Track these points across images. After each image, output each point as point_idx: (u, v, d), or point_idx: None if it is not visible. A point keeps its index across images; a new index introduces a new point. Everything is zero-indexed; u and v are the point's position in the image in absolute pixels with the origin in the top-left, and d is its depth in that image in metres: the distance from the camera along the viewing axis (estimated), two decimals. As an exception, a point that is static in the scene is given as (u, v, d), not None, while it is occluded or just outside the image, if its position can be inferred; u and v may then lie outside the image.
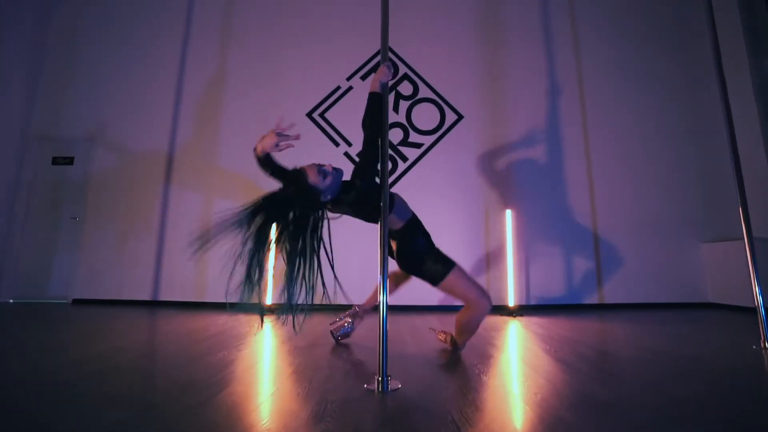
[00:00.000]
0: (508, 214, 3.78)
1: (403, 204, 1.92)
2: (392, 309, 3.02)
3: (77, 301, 4.03)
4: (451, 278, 1.79)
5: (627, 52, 4.57)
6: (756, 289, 2.19)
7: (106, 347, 2.03)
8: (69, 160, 4.42)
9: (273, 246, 1.50)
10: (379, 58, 4.48)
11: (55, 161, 4.43)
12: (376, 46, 4.44)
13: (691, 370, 1.64)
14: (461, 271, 1.83)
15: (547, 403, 1.23)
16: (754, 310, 2.17)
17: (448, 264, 1.82)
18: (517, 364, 1.78)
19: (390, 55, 4.49)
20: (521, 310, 3.70)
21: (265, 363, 1.82)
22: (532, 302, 4.00)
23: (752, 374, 1.61)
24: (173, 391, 1.35)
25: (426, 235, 1.93)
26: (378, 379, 1.38)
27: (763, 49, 4.26)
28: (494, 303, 3.85)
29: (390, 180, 4.21)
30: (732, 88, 4.38)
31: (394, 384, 1.41)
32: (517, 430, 1.03)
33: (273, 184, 1.82)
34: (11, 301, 4.05)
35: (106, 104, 4.48)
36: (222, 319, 3.09)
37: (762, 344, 2.08)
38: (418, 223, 1.93)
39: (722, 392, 1.36)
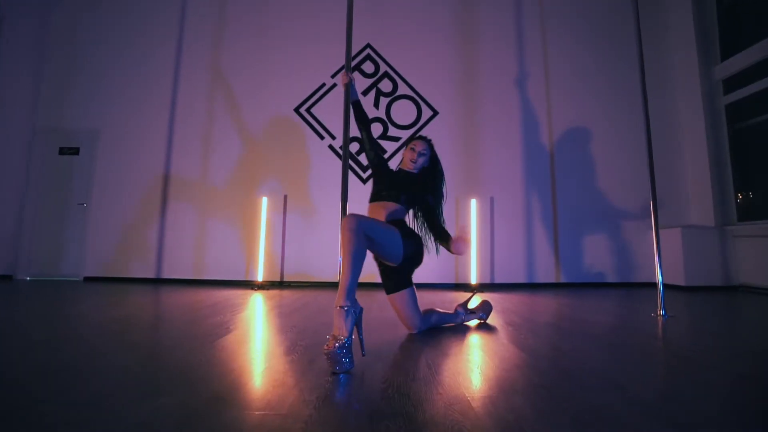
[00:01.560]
0: (473, 202, 4.24)
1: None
2: (374, 286, 3.48)
3: (88, 279, 4.48)
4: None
5: (589, 55, 4.94)
6: (657, 269, 2.67)
7: (121, 312, 2.48)
8: (75, 151, 4.80)
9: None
10: (362, 56, 4.85)
11: (62, 151, 4.80)
12: (359, 44, 4.79)
13: (592, 331, 2.13)
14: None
15: (473, 347, 1.70)
16: (677, 287, 2.63)
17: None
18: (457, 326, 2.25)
19: (371, 53, 4.88)
20: (484, 288, 4.20)
21: (257, 321, 2.29)
22: (496, 281, 4.50)
23: (638, 333, 2.10)
24: (182, 339, 1.80)
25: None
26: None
27: (711, 57, 4.66)
28: (460, 281, 4.38)
29: (369, 172, 4.64)
30: (683, 91, 4.83)
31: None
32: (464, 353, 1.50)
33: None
34: (28, 278, 4.49)
35: (108, 98, 4.82)
36: (220, 293, 3.55)
37: (658, 312, 2.57)
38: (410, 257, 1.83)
39: (612, 344, 1.84)
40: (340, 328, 1.31)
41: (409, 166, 1.98)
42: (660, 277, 2.66)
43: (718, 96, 4.59)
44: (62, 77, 4.86)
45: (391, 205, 1.86)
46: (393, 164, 2.17)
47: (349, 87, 2.16)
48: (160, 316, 2.53)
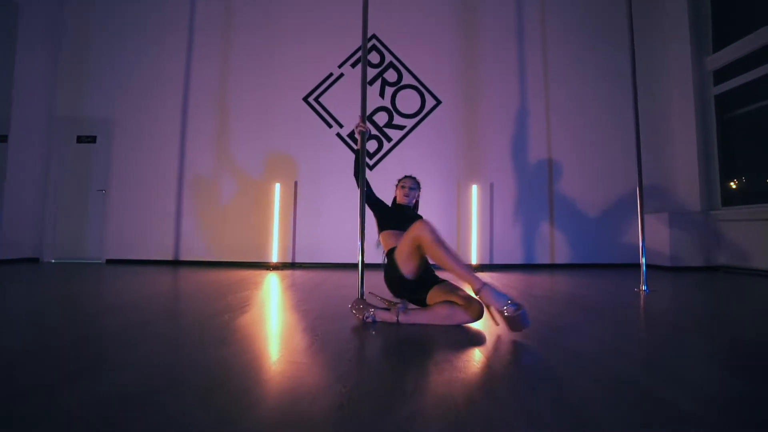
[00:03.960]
0: (474, 188, 4.50)
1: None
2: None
3: (110, 261, 4.74)
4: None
5: (586, 45, 5.12)
6: (641, 248, 2.95)
7: (155, 289, 2.75)
8: (92, 139, 4.99)
9: None
10: (368, 47, 5.01)
11: (80, 140, 5.00)
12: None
13: (581, 302, 2.41)
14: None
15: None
16: (663, 268, 2.90)
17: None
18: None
19: (377, 44, 5.04)
20: (484, 268, 4.50)
21: (273, 298, 2.56)
22: (495, 262, 4.79)
23: (621, 303, 2.39)
24: (210, 311, 2.08)
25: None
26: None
27: (703, 48, 4.84)
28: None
29: (376, 158, 4.88)
30: (676, 81, 5.02)
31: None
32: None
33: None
34: (53, 261, 4.75)
35: (122, 87, 4.98)
36: (239, 273, 3.83)
37: (640, 287, 2.86)
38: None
39: (596, 310, 2.13)
40: (498, 300, 1.50)
41: (404, 201, 2.21)
42: (643, 257, 2.94)
43: (709, 86, 4.80)
44: (78, 67, 5.01)
45: (401, 234, 2.02)
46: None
47: (364, 135, 2.24)
48: (185, 291, 2.80)
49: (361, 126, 2.24)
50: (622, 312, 2.10)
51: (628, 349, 1.36)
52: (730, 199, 4.59)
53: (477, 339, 1.50)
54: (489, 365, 1.19)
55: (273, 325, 1.80)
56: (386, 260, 1.97)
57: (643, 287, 2.85)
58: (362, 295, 1.98)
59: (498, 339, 1.49)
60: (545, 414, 0.86)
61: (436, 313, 1.70)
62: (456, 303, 1.70)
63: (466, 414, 0.85)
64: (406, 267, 1.79)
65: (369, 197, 2.17)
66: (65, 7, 5.07)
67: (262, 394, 0.96)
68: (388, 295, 1.99)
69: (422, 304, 1.84)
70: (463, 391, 0.98)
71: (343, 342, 1.43)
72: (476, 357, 1.26)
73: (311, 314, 1.95)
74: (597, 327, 1.72)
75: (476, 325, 1.70)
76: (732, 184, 4.63)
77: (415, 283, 1.84)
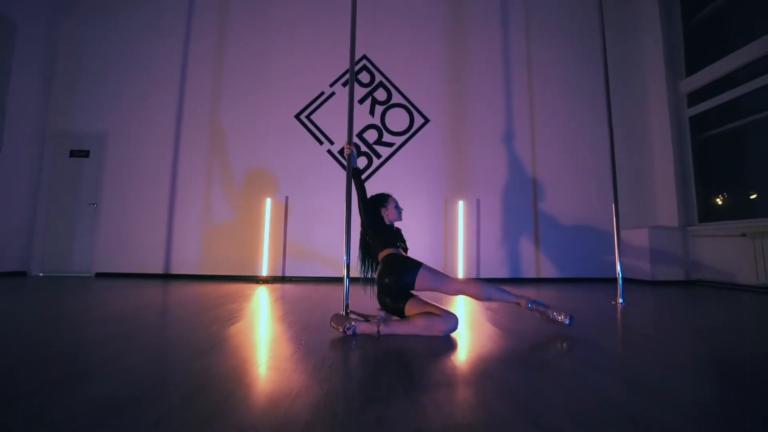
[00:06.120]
0: (461, 204, 4.63)
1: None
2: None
3: (100, 275, 4.74)
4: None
5: (570, 71, 5.37)
6: (617, 263, 3.08)
7: (144, 301, 2.79)
8: (85, 153, 5.05)
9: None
10: (358, 66, 5.18)
11: (72, 154, 5.05)
12: (355, 55, 5.13)
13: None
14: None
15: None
16: (643, 282, 3.01)
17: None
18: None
19: (368, 64, 5.22)
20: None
21: (262, 309, 2.62)
22: (482, 275, 4.88)
23: (597, 314, 2.49)
24: (203, 321, 2.13)
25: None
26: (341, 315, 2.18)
27: (677, 72, 5.11)
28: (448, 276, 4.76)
29: (366, 174, 4.99)
30: (653, 104, 5.27)
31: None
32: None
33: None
34: (41, 274, 4.74)
35: (114, 101, 5.08)
36: (229, 287, 3.87)
37: (617, 300, 2.97)
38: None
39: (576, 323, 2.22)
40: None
41: (395, 219, 2.27)
42: (620, 271, 3.06)
43: (683, 108, 5.04)
44: (71, 82, 5.11)
45: (400, 251, 2.14)
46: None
47: (351, 157, 2.31)
48: (176, 302, 2.84)
49: (347, 148, 2.34)
50: (597, 322, 2.19)
51: (604, 354, 1.45)
52: (706, 215, 4.78)
53: (452, 348, 1.58)
54: (460, 373, 1.27)
55: (259, 335, 1.86)
56: (380, 267, 2.00)
57: (620, 300, 2.96)
58: (347, 311, 2.05)
59: (473, 348, 1.57)
60: (515, 421, 0.94)
61: (416, 324, 1.78)
62: (434, 314, 1.79)
63: (433, 417, 0.93)
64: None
65: (375, 216, 2.20)
66: (61, 23, 5.19)
67: (245, 397, 1.03)
68: (367, 311, 2.05)
69: (400, 314, 1.92)
70: (434, 396, 1.06)
71: (325, 350, 1.50)
72: (450, 365, 1.34)
73: (296, 325, 2.01)
74: (572, 333, 1.81)
75: (454, 336, 1.78)
76: (709, 200, 4.82)
77: (399, 290, 1.92)
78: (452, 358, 1.42)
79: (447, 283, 1.91)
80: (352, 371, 1.28)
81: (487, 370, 1.29)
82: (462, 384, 1.16)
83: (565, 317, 1.90)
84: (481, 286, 1.91)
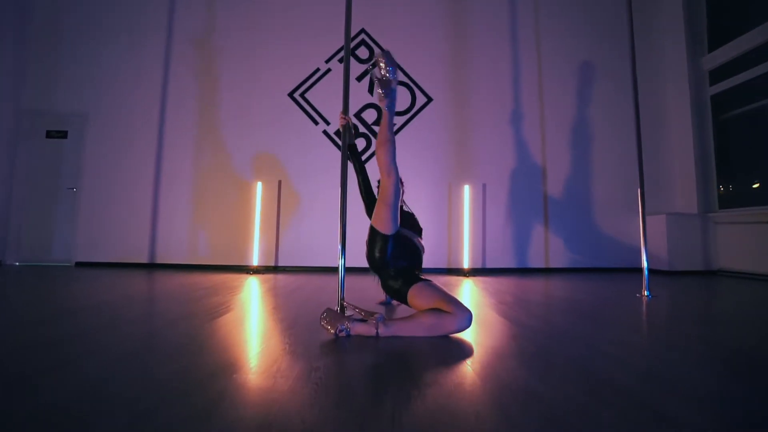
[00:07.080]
0: (466, 189, 4.31)
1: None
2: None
3: (80, 264, 4.44)
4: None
5: (583, 47, 5.00)
6: (643, 254, 2.79)
7: (122, 292, 2.50)
8: (63, 134, 4.70)
9: None
10: (356, 41, 4.81)
11: (49, 134, 4.70)
12: (353, 29, 4.75)
13: (577, 308, 2.22)
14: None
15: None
16: (660, 272, 2.74)
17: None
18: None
19: (366, 39, 4.85)
20: (476, 272, 4.30)
21: (252, 302, 2.33)
22: (488, 266, 4.60)
23: (624, 310, 2.20)
24: (187, 313, 1.84)
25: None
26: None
27: (699, 48, 4.76)
28: (452, 266, 4.48)
29: (364, 156, 4.67)
30: (673, 82, 4.92)
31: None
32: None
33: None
34: (17, 263, 4.44)
35: (97, 81, 4.71)
36: (217, 277, 3.57)
37: (642, 293, 2.69)
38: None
39: (598, 318, 1.94)
40: None
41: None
42: (646, 261, 2.78)
43: (705, 87, 4.70)
44: (48, 59, 4.73)
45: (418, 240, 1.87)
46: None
47: (347, 130, 2.04)
48: (159, 295, 2.55)
49: (342, 118, 2.03)
50: (627, 319, 1.91)
51: (633, 360, 1.17)
52: (727, 201, 4.48)
53: (463, 348, 1.29)
54: (473, 372, 0.98)
55: (238, 336, 1.57)
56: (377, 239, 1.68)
57: (646, 293, 2.68)
58: (342, 307, 1.76)
59: (484, 346, 1.29)
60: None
61: (420, 323, 1.48)
62: (442, 310, 1.50)
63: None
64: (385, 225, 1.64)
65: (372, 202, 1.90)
66: (34, 3, 4.78)
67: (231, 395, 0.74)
68: (365, 304, 1.76)
69: (402, 298, 1.61)
70: (434, 399, 0.77)
71: (313, 358, 1.21)
72: (462, 368, 1.05)
73: (283, 322, 1.73)
74: (599, 337, 1.53)
75: (464, 335, 1.50)
76: (730, 185, 4.52)
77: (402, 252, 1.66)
78: (469, 367, 1.13)
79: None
80: (344, 389, 0.99)
81: (513, 383, 1.01)
82: (487, 409, 0.87)
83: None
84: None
